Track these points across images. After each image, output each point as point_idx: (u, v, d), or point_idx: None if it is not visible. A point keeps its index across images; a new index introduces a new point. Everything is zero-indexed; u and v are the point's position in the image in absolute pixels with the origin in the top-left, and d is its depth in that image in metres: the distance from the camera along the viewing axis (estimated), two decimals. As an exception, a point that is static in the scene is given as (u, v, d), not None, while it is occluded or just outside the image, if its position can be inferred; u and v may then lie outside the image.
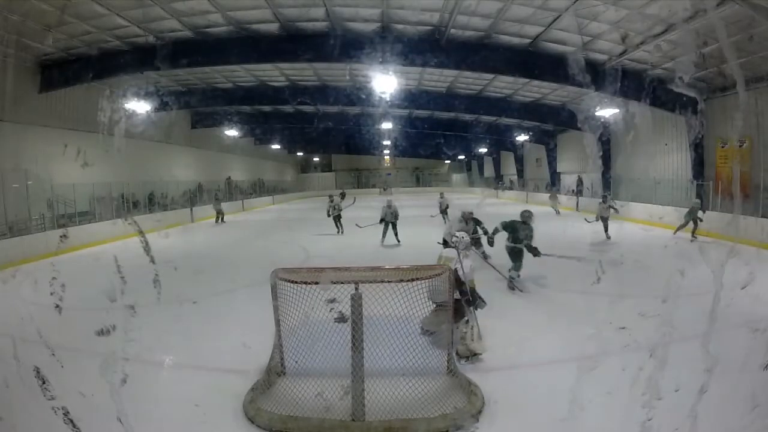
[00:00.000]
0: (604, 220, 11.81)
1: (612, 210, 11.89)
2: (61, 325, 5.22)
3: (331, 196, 14.52)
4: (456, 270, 4.31)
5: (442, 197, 15.78)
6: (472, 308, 4.39)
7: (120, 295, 5.69)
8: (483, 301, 4.57)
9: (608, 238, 11.67)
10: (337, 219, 13.77)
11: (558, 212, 18.79)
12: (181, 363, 4.48)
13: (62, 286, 6.12)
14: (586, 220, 12.82)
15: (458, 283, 4.28)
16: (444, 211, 15.06)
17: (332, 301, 4.72)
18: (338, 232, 13.58)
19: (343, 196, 27.83)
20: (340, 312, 4.71)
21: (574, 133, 21.93)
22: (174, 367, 4.42)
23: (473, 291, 4.45)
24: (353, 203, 15.11)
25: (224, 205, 19.46)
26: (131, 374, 3.78)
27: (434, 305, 4.27)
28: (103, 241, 12.75)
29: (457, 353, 4.19)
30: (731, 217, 11.19)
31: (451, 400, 3.45)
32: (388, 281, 3.66)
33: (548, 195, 21.26)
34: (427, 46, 12.12)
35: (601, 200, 12.37)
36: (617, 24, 10.46)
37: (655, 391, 3.10)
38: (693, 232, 11.25)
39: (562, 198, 22.79)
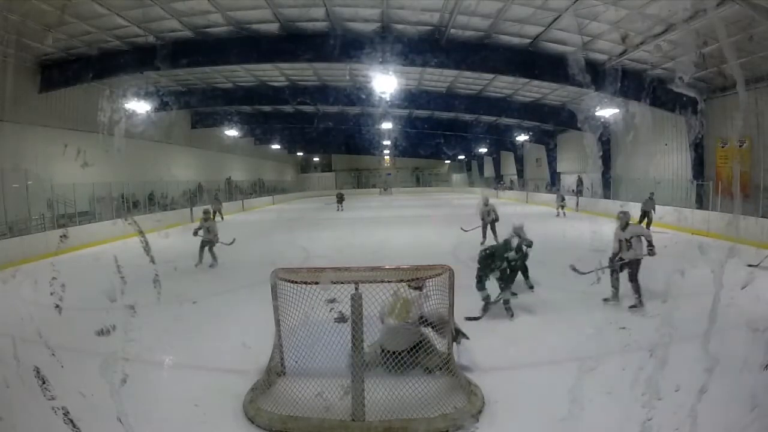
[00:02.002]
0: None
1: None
2: (61, 325, 5.22)
3: (206, 212, 9.78)
4: (416, 313, 3.93)
5: (486, 205, 10.71)
6: (455, 343, 4.06)
7: (120, 295, 5.69)
8: (465, 336, 4.31)
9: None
10: (208, 246, 9.11)
11: (564, 214, 17.88)
12: (181, 363, 4.48)
13: (62, 286, 6.11)
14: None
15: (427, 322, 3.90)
16: (491, 224, 10.50)
17: (332, 301, 4.72)
18: (198, 262, 9.05)
19: (340, 199, 24.14)
20: (340, 312, 4.70)
21: (574, 133, 21.95)
22: (174, 367, 4.42)
23: (455, 328, 4.10)
24: (232, 243, 9.47)
25: (224, 205, 19.48)
26: (131, 374, 3.78)
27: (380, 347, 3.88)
28: (103, 241, 12.75)
29: (427, 369, 3.90)
30: (731, 217, 11.18)
31: (451, 400, 3.45)
32: (388, 281, 3.66)
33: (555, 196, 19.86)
34: (427, 46, 12.13)
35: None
36: (617, 24, 10.46)
37: (655, 391, 3.10)
38: None
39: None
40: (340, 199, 24.20)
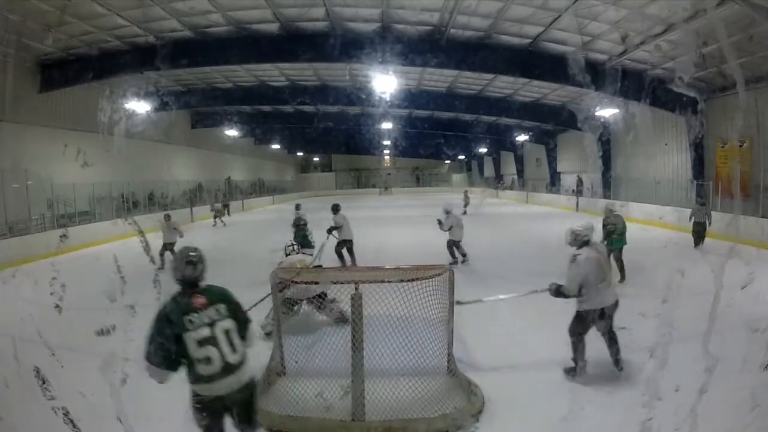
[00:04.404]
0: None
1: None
2: (61, 325, 5.21)
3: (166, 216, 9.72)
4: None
5: (298, 210, 10.42)
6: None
7: (120, 295, 5.69)
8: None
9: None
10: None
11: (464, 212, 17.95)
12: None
13: (62, 286, 6.11)
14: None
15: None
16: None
17: (332, 301, 4.72)
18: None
19: (219, 212, 18.14)
20: (340, 312, 4.70)
21: (574, 133, 21.94)
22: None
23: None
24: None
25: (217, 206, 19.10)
26: (131, 374, 3.78)
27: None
28: (103, 241, 12.74)
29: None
30: (731, 217, 11.17)
31: (451, 400, 3.45)
32: (388, 281, 3.66)
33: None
34: (427, 46, 12.12)
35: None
36: (617, 24, 10.46)
37: (655, 391, 3.10)
38: None
39: (562, 198, 22.73)
40: (219, 212, 18.21)
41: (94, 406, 3.38)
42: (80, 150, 14.36)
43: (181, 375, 2.38)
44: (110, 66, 12.58)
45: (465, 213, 18.04)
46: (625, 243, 7.34)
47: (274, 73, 16.58)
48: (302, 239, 7.55)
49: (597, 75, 12.84)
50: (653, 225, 13.91)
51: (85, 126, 14.30)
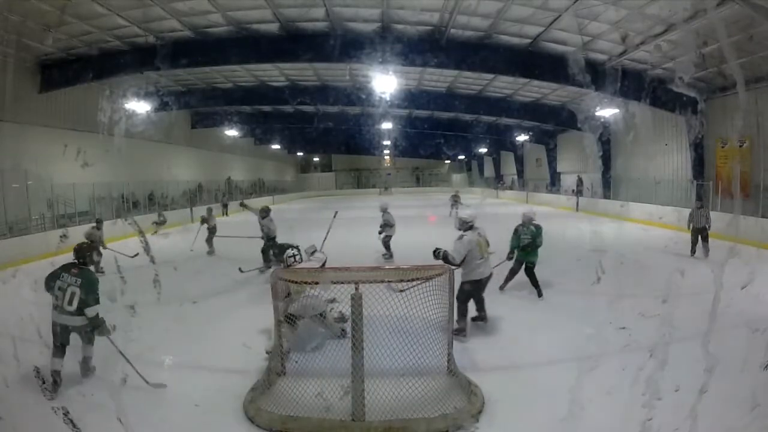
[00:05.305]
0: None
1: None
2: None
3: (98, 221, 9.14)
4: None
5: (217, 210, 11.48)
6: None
7: (120, 295, 5.69)
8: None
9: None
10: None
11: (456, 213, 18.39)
12: (181, 363, 4.47)
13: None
14: None
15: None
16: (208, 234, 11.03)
17: (332, 301, 4.72)
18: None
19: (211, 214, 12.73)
20: (340, 312, 4.71)
21: (574, 133, 21.94)
22: (174, 367, 4.42)
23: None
24: (135, 256, 8.78)
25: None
26: (131, 374, 3.78)
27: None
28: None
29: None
30: (731, 217, 11.17)
31: (451, 400, 3.45)
32: (388, 281, 3.66)
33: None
34: (427, 46, 12.12)
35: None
36: (617, 24, 10.46)
37: (655, 391, 3.10)
38: None
39: (562, 198, 22.74)
40: (161, 224, 13.68)
41: (94, 406, 3.39)
42: (80, 150, 14.34)
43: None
44: (110, 66, 12.56)
45: (455, 214, 18.13)
46: (537, 257, 6.43)
47: (274, 73, 16.58)
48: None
49: (597, 75, 12.84)
50: (653, 225, 13.91)
51: (85, 126, 14.30)
